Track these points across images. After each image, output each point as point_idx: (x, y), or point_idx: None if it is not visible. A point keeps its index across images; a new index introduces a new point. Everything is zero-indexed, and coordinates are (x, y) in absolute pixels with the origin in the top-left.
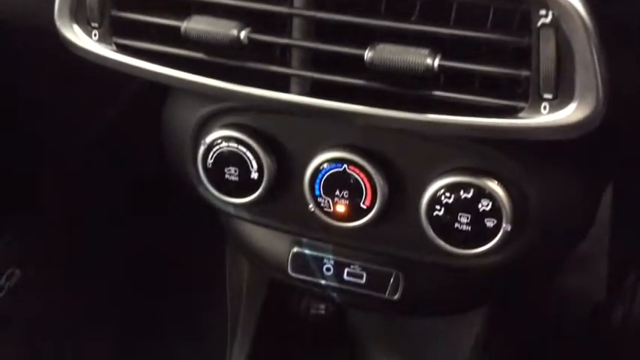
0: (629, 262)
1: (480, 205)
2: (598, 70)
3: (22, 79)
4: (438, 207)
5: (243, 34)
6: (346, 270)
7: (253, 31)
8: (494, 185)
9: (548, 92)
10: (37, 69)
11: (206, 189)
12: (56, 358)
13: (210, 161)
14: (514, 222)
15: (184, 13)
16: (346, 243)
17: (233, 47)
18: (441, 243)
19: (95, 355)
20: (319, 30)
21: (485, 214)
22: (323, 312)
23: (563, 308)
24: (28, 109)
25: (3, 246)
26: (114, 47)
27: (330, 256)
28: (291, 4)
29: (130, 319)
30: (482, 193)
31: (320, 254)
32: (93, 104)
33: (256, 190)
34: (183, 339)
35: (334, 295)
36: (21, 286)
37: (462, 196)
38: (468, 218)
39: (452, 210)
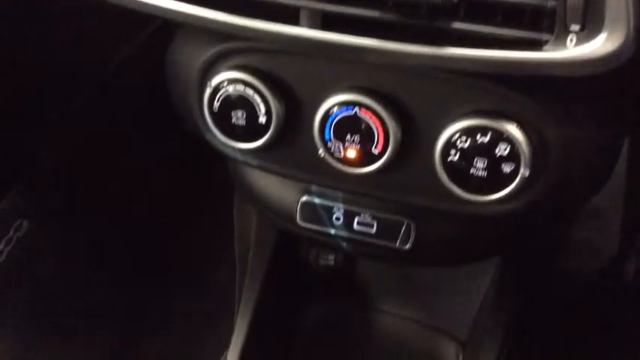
0: None
1: (497, 150)
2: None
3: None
4: (453, 152)
5: None
6: (356, 219)
7: None
8: (513, 128)
9: (575, 23)
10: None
11: (212, 134)
12: (66, 308)
13: (216, 105)
14: (532, 167)
15: None
16: (356, 190)
17: None
18: (456, 190)
19: (106, 305)
20: None
21: (503, 158)
22: (332, 262)
23: (575, 261)
24: (32, 58)
25: (11, 198)
26: None
27: (340, 205)
28: None
29: (140, 269)
30: (500, 136)
31: (329, 203)
32: (98, 48)
33: (264, 134)
34: (191, 291)
35: (344, 244)
36: (30, 237)
37: (479, 140)
38: (484, 163)
39: (468, 155)
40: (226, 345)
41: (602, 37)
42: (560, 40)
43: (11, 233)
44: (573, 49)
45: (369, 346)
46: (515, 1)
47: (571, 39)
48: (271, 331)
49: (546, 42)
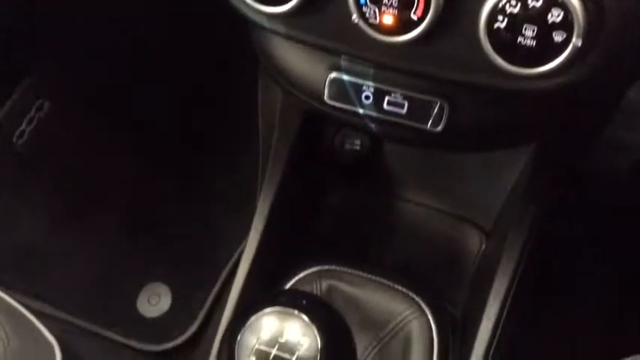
0: None
1: (549, 16)
2: None
3: None
4: (500, 18)
5: None
6: (386, 98)
7: None
8: None
9: None
10: None
11: None
12: (89, 186)
13: None
14: (585, 37)
15: None
16: (390, 64)
17: None
18: (500, 61)
19: (127, 186)
20: None
21: (555, 26)
22: (358, 147)
23: (606, 160)
24: None
25: (33, 78)
26: None
27: (370, 83)
28: None
29: (162, 151)
30: (553, 1)
31: (359, 80)
32: None
33: None
34: (213, 174)
35: (372, 126)
36: (51, 117)
37: (530, 5)
38: (533, 31)
39: (516, 21)
40: (248, 228)
41: None
42: None
43: (32, 113)
44: None
45: (390, 233)
46: None
47: None
48: (292, 216)
49: None
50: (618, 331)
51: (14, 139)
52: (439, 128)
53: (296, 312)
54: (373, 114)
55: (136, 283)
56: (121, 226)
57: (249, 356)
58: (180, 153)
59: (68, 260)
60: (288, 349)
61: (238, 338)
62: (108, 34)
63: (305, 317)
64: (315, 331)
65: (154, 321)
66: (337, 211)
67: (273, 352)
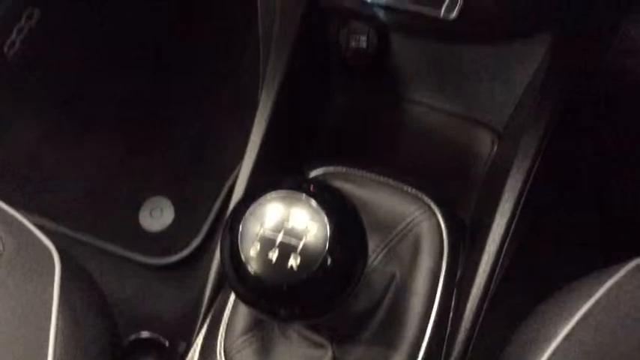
0: None
1: None
2: None
3: None
4: None
5: None
6: None
7: None
8: None
9: None
10: None
11: None
12: (84, 95)
13: None
14: None
15: None
16: None
17: None
18: None
19: (125, 93)
20: None
21: None
22: (364, 45)
23: (623, 59)
24: None
25: None
26: None
27: None
28: None
29: (162, 55)
30: None
31: None
32: None
33: None
34: (215, 78)
35: (381, 14)
36: (41, 25)
37: None
38: None
39: None
40: (250, 129)
41: None
42: None
43: (23, 22)
44: None
45: (399, 135)
46: None
47: None
48: (296, 117)
49: None
50: (622, 242)
51: (5, 50)
52: (453, 14)
53: (304, 196)
54: (382, 1)
55: (138, 197)
56: (120, 137)
57: (254, 242)
58: (178, 58)
59: (66, 172)
60: (296, 234)
61: (240, 225)
62: None
63: (313, 202)
64: (324, 217)
65: (157, 235)
66: (343, 113)
67: (279, 237)
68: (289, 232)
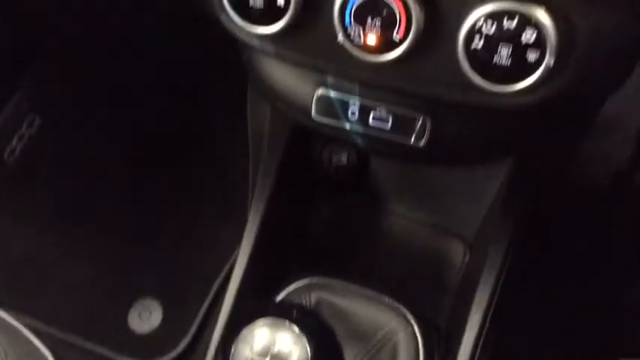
0: None
1: (523, 36)
2: None
3: None
4: (477, 38)
5: None
6: (372, 114)
7: None
8: (541, 13)
9: None
10: None
11: (229, 17)
12: (76, 205)
13: None
14: (558, 56)
15: None
16: (374, 81)
17: None
18: (478, 79)
19: (117, 200)
20: None
21: (529, 46)
22: (345, 162)
23: (587, 170)
24: None
25: (23, 94)
26: None
27: (356, 99)
28: None
29: (153, 162)
30: (527, 21)
31: (345, 97)
32: None
33: (282, 17)
34: (204, 187)
35: (358, 140)
36: (41, 132)
37: (505, 26)
38: (508, 50)
39: (492, 41)
40: (238, 241)
41: None
42: None
43: (23, 129)
44: None
45: (377, 245)
46: None
47: None
48: (283, 229)
49: None
50: (596, 335)
51: (5, 156)
52: (422, 143)
53: (287, 323)
54: (359, 129)
55: (127, 299)
56: (111, 241)
57: None
58: (170, 166)
59: (59, 275)
60: (281, 357)
61: (232, 349)
62: (97, 48)
63: (295, 328)
64: (305, 341)
65: (146, 336)
66: (326, 224)
67: None
68: (275, 356)
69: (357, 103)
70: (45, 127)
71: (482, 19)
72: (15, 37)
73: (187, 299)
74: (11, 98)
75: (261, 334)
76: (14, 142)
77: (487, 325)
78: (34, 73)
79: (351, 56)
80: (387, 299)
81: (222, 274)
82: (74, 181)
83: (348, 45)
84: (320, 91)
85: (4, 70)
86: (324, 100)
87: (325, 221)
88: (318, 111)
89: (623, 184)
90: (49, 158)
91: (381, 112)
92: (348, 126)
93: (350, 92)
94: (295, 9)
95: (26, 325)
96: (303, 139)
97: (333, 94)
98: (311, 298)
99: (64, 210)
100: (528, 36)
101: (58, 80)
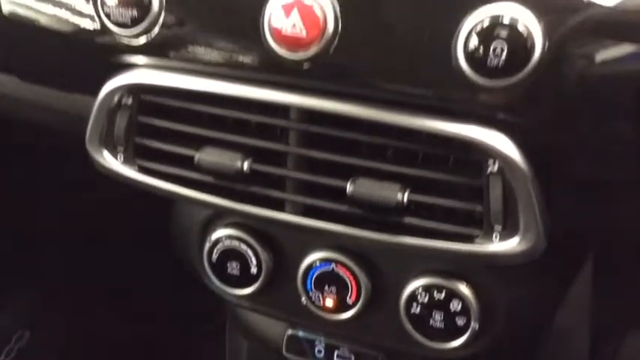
0: (609, 333)
1: (451, 305)
2: (537, 211)
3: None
4: (414, 305)
5: (246, 165)
6: (336, 352)
7: (255, 162)
8: (464, 288)
9: (498, 224)
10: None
11: (211, 280)
12: None
13: (214, 257)
14: (482, 321)
15: (198, 142)
16: (335, 332)
17: (237, 175)
18: (418, 337)
19: None
20: (311, 162)
21: (456, 313)
22: None
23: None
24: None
25: (12, 309)
26: (137, 168)
27: (321, 339)
28: (286, 143)
29: None
30: (453, 294)
31: (312, 337)
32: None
33: (255, 283)
34: None
35: None
36: (30, 347)
37: (436, 297)
38: (441, 316)
39: (427, 308)
40: None
41: (518, 238)
42: (488, 236)
43: (12, 344)
44: (498, 244)
45: None
46: (451, 205)
47: (496, 235)
48: None
49: (477, 236)
50: None
51: None
52: None
53: None
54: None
55: None
56: None
57: None
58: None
59: None
60: None
61: None
62: (85, 262)
63: None
64: None
65: None
66: None
67: None
68: None
69: (323, 342)
70: (34, 341)
71: (417, 290)
72: (4, 257)
73: None
74: None
75: None
76: (2, 357)
77: None
78: (23, 289)
79: (313, 314)
80: None
81: None
82: None
83: (310, 306)
84: (290, 332)
85: None
86: (293, 340)
87: None
88: (288, 349)
89: None
90: None
91: (344, 351)
92: None
93: (316, 333)
94: (266, 277)
95: None
96: None
97: (301, 334)
98: None
99: None
100: (455, 306)
101: (48, 295)
